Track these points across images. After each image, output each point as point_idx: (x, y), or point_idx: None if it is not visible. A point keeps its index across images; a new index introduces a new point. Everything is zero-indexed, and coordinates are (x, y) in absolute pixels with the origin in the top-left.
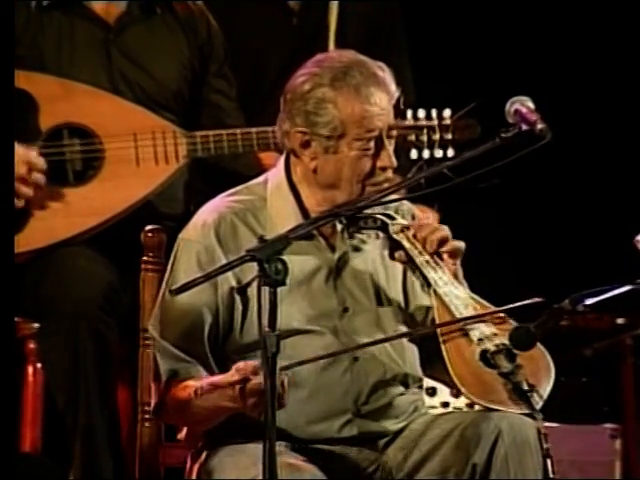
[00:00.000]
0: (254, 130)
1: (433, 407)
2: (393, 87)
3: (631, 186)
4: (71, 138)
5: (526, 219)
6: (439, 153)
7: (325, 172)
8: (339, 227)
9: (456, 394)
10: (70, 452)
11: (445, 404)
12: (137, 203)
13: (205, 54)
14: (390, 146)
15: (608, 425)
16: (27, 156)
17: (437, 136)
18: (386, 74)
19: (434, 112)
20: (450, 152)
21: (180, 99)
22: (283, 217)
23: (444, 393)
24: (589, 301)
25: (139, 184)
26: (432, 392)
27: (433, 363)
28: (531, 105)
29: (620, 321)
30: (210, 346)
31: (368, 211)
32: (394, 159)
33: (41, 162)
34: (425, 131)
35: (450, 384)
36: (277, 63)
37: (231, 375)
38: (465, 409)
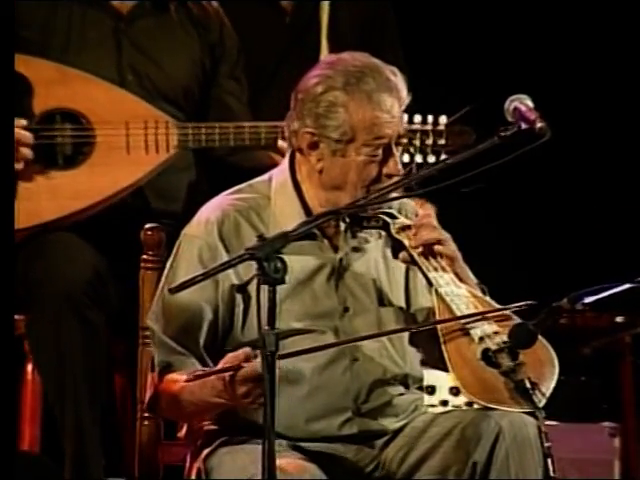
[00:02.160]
0: (246, 124)
1: (432, 405)
2: (404, 93)
3: (631, 185)
4: (63, 123)
5: (525, 218)
6: (432, 159)
7: (331, 174)
8: (342, 227)
9: (455, 392)
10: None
11: (444, 402)
12: (125, 189)
13: (217, 54)
14: (397, 153)
15: (607, 423)
16: (15, 134)
17: (430, 141)
18: (398, 79)
19: (430, 117)
20: (442, 158)
21: (189, 95)
22: (287, 216)
23: (443, 391)
24: (588, 299)
25: (127, 171)
26: (431, 390)
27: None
28: (530, 103)
29: (619, 319)
30: (209, 343)
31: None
32: (401, 167)
33: (28, 136)
34: (418, 135)
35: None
36: (270, 62)
37: (222, 365)
38: (464, 407)
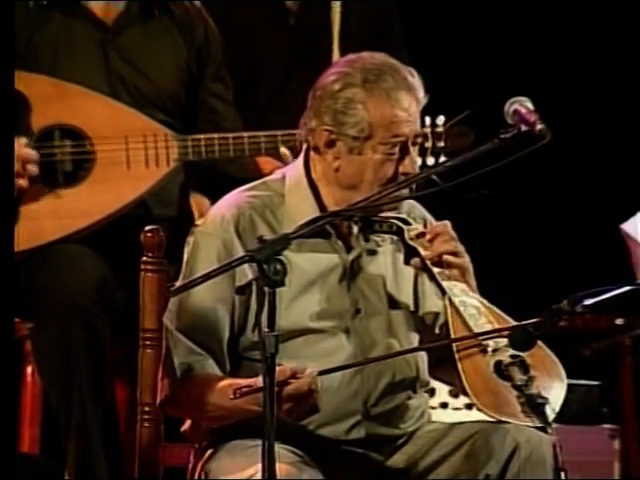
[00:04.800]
0: (246, 135)
1: (432, 408)
2: (422, 93)
3: (630, 186)
4: (62, 139)
5: (525, 220)
6: (431, 161)
7: (347, 173)
8: (355, 228)
9: (455, 394)
10: (65, 450)
11: (444, 404)
12: (127, 206)
13: (202, 56)
14: (414, 153)
15: (607, 425)
16: (20, 151)
17: (429, 143)
18: (416, 79)
19: (427, 119)
20: (442, 160)
21: (176, 101)
22: (302, 214)
23: (443, 393)
24: (588, 302)
25: (129, 187)
26: (431, 393)
27: (441, 366)
28: (530, 106)
29: (619, 322)
30: (229, 342)
31: (383, 214)
32: (417, 166)
33: (33, 154)
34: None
35: (458, 389)
36: (274, 63)
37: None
38: (464, 410)
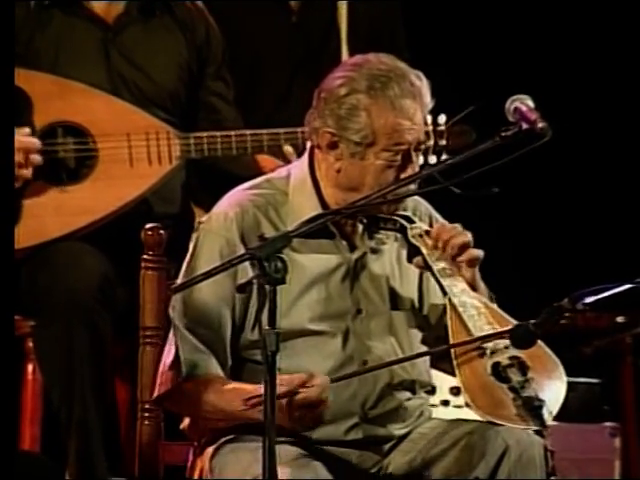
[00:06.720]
0: (248, 132)
1: (433, 405)
2: (428, 98)
3: (631, 185)
4: (65, 137)
5: (526, 217)
6: (433, 159)
7: (348, 175)
8: (360, 227)
9: (456, 392)
10: (66, 448)
11: (445, 402)
12: (129, 203)
13: (203, 55)
14: (417, 159)
15: (608, 423)
16: (22, 142)
17: (431, 142)
18: (423, 84)
19: (429, 118)
20: (444, 158)
21: (176, 100)
22: (305, 213)
23: (444, 391)
24: (589, 300)
25: (132, 184)
26: (432, 390)
27: (444, 358)
28: (531, 103)
29: (620, 320)
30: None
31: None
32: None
33: (36, 143)
34: None
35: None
36: (278, 63)
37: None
38: (465, 408)
